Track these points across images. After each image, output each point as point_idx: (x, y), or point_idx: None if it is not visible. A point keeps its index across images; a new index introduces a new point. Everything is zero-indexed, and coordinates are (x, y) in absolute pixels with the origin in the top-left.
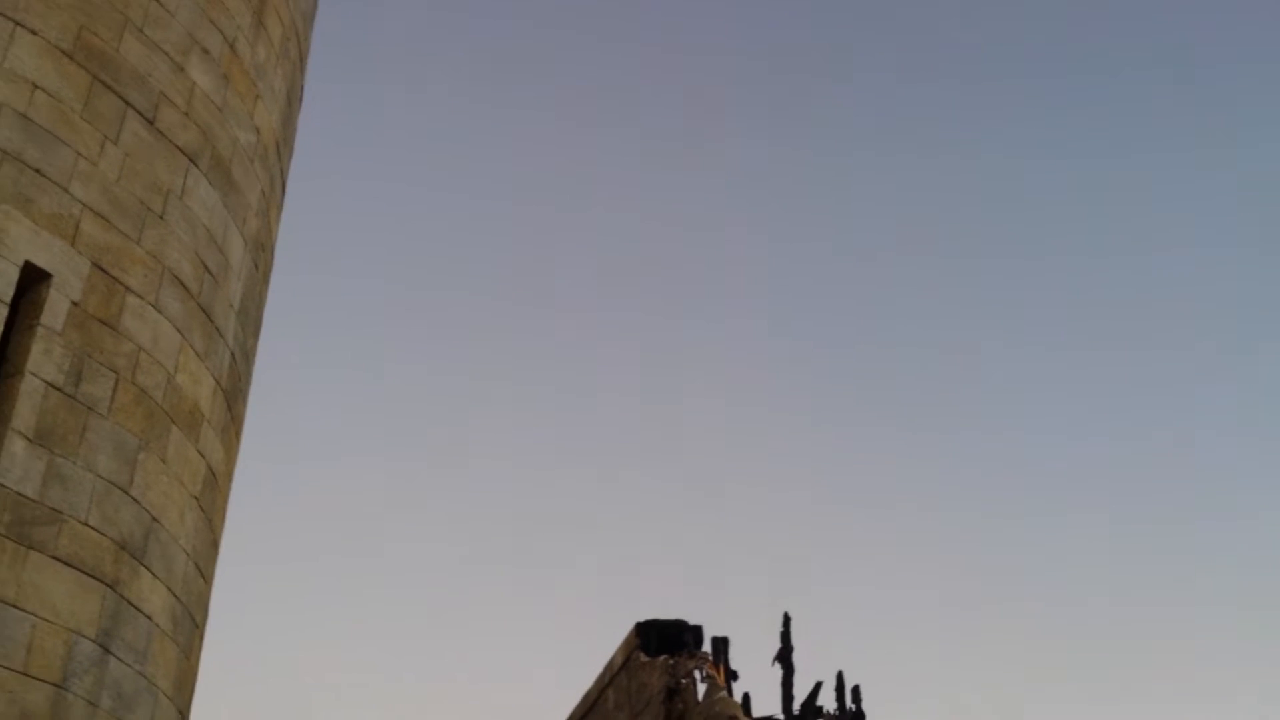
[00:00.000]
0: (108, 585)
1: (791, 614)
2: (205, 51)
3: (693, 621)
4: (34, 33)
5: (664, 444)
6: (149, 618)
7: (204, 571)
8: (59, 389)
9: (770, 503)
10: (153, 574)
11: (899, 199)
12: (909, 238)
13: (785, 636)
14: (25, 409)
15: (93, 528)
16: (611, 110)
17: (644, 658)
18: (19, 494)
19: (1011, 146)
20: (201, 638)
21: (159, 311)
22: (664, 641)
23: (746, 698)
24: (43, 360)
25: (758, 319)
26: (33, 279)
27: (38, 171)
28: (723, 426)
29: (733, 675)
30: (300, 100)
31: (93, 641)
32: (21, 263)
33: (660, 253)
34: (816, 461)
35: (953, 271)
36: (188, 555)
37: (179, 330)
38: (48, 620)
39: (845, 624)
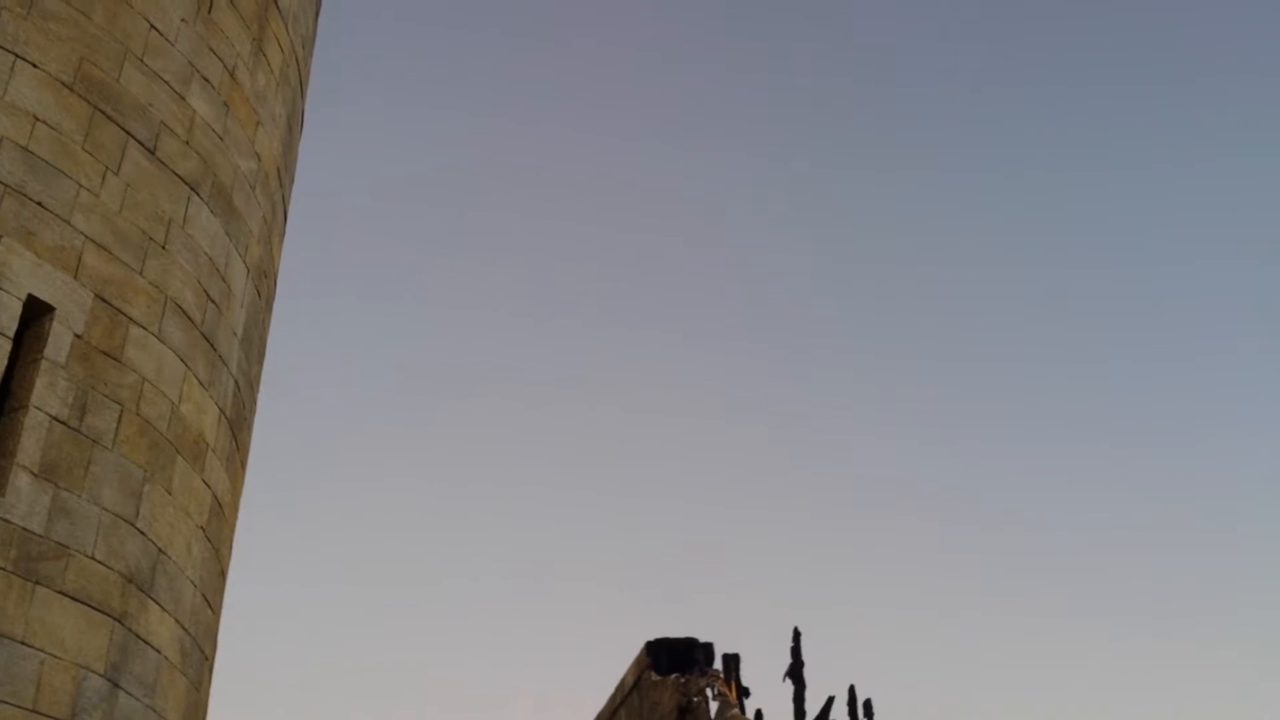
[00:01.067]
0: (115, 619)
1: (801, 629)
2: (205, 80)
3: (703, 639)
4: (34, 65)
5: (669, 457)
6: (158, 650)
7: (212, 602)
8: (63, 422)
9: (777, 517)
10: (160, 606)
11: (902, 206)
12: (918, 244)
13: (796, 652)
14: (30, 443)
15: (99, 561)
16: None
17: (655, 677)
18: (25, 529)
19: (1011, 146)
20: (211, 669)
21: (162, 341)
22: (675, 660)
23: (759, 714)
24: (46, 394)
25: (760, 329)
26: (36, 312)
27: (39, 204)
28: (726, 440)
29: (745, 692)
30: (301, 126)
31: (101, 676)
32: (24, 296)
33: (662, 261)
34: (823, 475)
35: (963, 280)
36: (195, 586)
37: (182, 360)
38: (56, 656)
39: (857, 638)
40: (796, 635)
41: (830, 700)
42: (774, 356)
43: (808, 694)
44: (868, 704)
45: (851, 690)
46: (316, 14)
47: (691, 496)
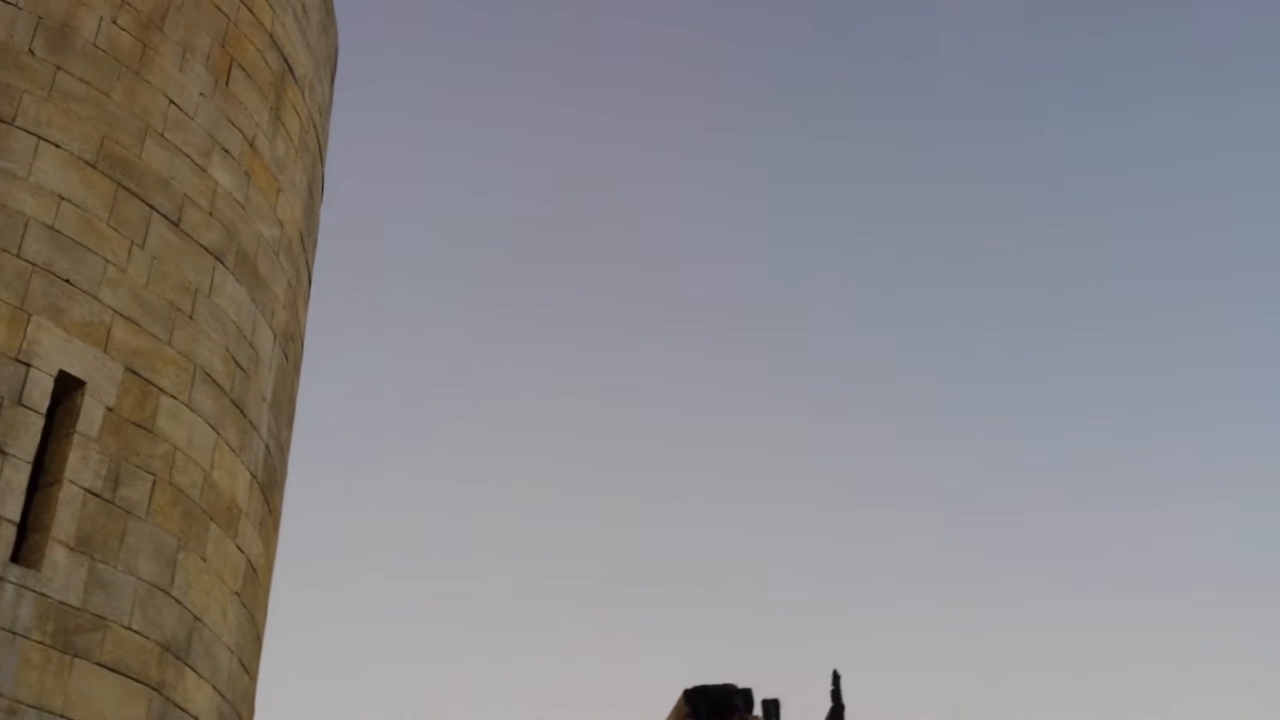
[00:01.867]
0: (153, 689)
1: (841, 672)
2: (226, 151)
3: (742, 685)
4: (57, 146)
5: (710, 502)
6: (196, 718)
7: (248, 667)
8: (97, 495)
9: (814, 558)
10: (198, 674)
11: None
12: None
13: (836, 694)
14: (65, 517)
15: (136, 631)
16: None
17: None
18: (62, 603)
19: (1011, 147)
20: None
21: (192, 410)
22: (714, 707)
23: None
24: (80, 468)
25: (800, 382)
26: (67, 387)
27: (67, 281)
28: (766, 485)
29: None
30: (321, 191)
31: None
32: (55, 372)
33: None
34: (862, 519)
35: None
36: (231, 652)
37: (213, 427)
38: None
39: (896, 680)
40: (836, 678)
41: None
42: (815, 413)
43: None
44: None
45: None
46: (332, 80)
47: (734, 541)
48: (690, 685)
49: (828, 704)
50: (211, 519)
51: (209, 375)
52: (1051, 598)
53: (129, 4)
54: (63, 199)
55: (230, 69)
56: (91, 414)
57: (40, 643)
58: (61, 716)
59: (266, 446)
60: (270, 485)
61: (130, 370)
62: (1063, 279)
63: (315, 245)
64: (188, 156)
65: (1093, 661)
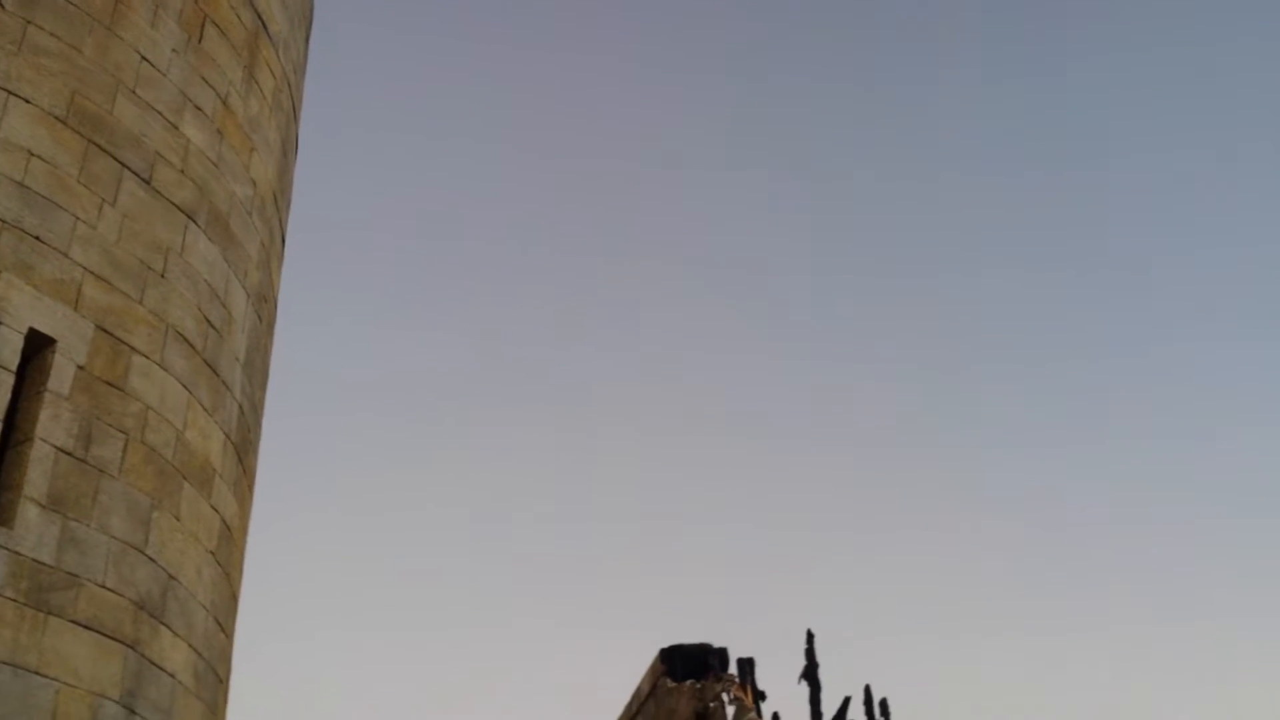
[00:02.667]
0: (129, 646)
1: (815, 631)
2: (198, 109)
3: (717, 644)
4: (27, 101)
5: (678, 466)
6: (172, 676)
7: (224, 626)
8: (69, 453)
9: (787, 521)
10: (173, 632)
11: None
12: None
13: (810, 653)
14: (36, 475)
15: (110, 589)
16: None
17: (671, 683)
18: (35, 560)
19: (1008, 148)
20: (226, 691)
21: (165, 369)
22: (690, 666)
23: (775, 717)
24: (51, 426)
25: (764, 339)
26: (37, 345)
27: (37, 238)
28: (734, 449)
29: (760, 695)
30: (296, 150)
31: (117, 703)
32: (25, 330)
33: (667, 273)
34: (833, 479)
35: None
36: (207, 611)
37: (186, 387)
38: (71, 685)
39: (871, 639)
40: (810, 637)
41: (846, 701)
42: (777, 367)
43: (824, 695)
44: (884, 703)
45: (867, 690)
46: (307, 39)
47: (702, 503)
48: (666, 645)
49: (802, 662)
50: (185, 478)
51: (181, 334)
52: (1027, 559)
53: None
54: (32, 155)
55: (204, 26)
56: (63, 372)
57: (14, 600)
58: (36, 673)
59: (240, 407)
60: (244, 446)
61: (101, 329)
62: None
63: (289, 205)
64: (159, 113)
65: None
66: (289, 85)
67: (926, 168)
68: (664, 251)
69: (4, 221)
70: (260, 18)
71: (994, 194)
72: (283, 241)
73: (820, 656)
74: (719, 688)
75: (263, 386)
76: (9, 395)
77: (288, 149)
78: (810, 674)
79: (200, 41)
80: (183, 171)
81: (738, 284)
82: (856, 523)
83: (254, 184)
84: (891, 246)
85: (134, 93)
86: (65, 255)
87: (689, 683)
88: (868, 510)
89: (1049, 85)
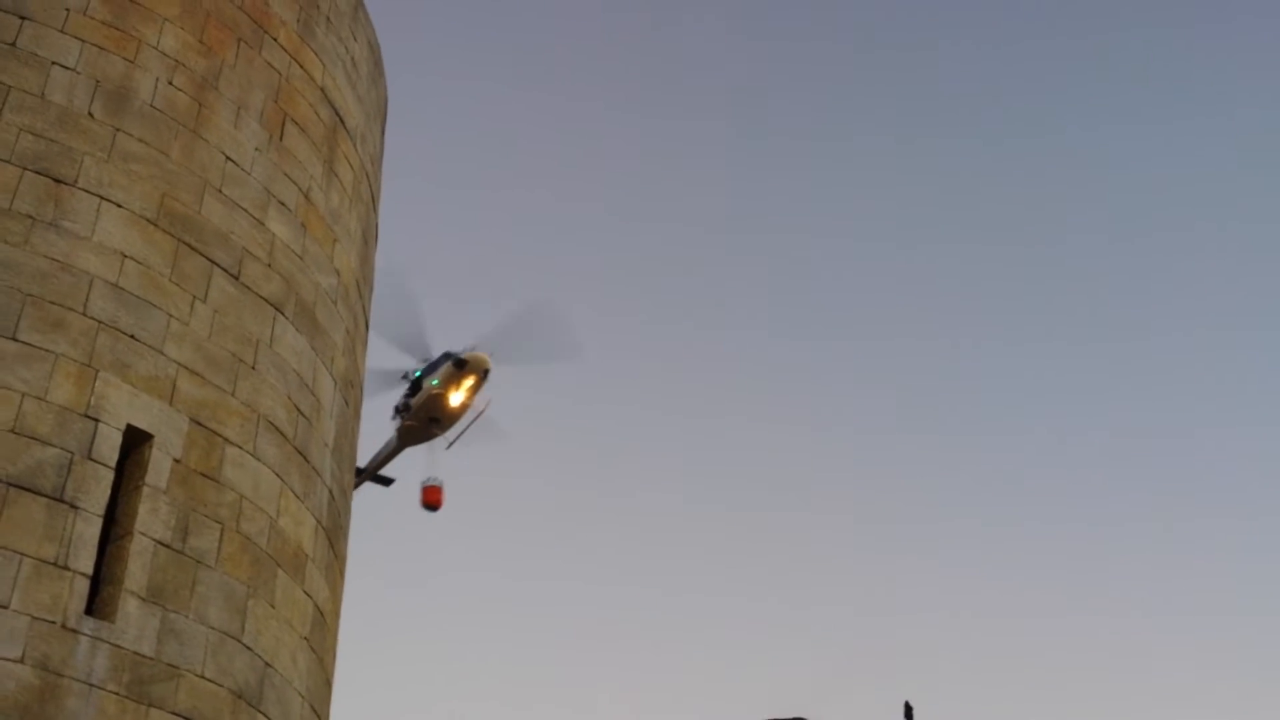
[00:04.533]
0: None
1: (914, 704)
2: (282, 204)
3: (815, 718)
4: (119, 205)
5: (767, 539)
6: None
7: (319, 711)
8: (167, 545)
9: (888, 594)
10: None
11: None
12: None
13: None
14: (136, 569)
15: (209, 679)
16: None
17: None
18: (136, 653)
19: (1013, 148)
20: None
21: (257, 459)
22: None
23: None
24: (150, 519)
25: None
26: (135, 441)
27: (132, 337)
28: (825, 521)
29: None
30: (376, 237)
31: None
32: (123, 427)
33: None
34: (927, 550)
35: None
36: (303, 698)
37: (278, 474)
38: None
39: (971, 710)
40: (909, 711)
41: None
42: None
43: None
44: None
45: None
46: (383, 130)
47: (800, 574)
48: (765, 718)
49: None
50: (279, 565)
51: (272, 424)
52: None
53: (184, 65)
54: (126, 257)
55: (284, 124)
56: (160, 466)
57: (116, 693)
58: None
59: (330, 492)
60: (335, 530)
61: (195, 422)
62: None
63: (371, 290)
64: (245, 210)
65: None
66: (367, 176)
67: None
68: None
69: (100, 323)
70: (338, 113)
71: None
72: (367, 326)
73: None
74: None
75: (351, 470)
76: (109, 491)
77: (368, 237)
78: None
79: (281, 139)
80: (269, 265)
81: None
82: (965, 598)
83: (337, 273)
84: None
85: (220, 191)
86: (160, 352)
87: None
88: (975, 585)
89: None
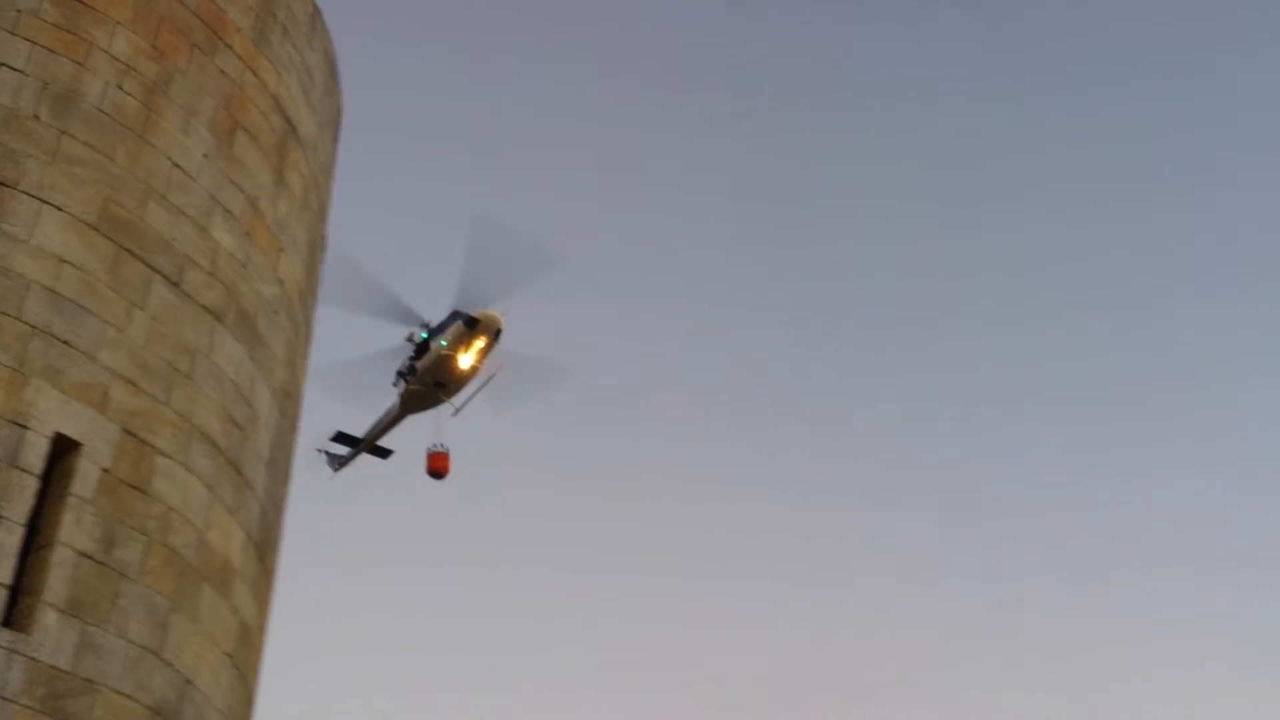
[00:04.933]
0: None
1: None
2: (228, 212)
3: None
4: (59, 209)
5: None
6: None
7: None
8: (90, 557)
9: (889, 595)
10: None
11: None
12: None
13: None
14: (57, 580)
15: (127, 695)
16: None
17: None
18: (52, 666)
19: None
20: None
21: (189, 470)
22: None
23: None
24: (74, 530)
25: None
26: (63, 449)
27: (66, 343)
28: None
29: None
30: (324, 248)
31: None
32: (52, 434)
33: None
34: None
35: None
36: (223, 715)
37: (209, 487)
38: None
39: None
40: None
41: None
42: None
43: None
44: None
45: None
46: (335, 140)
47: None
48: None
49: None
50: (204, 580)
51: (206, 435)
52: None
53: (134, 69)
54: (64, 261)
55: (234, 131)
56: (87, 475)
57: (30, 707)
58: None
59: (262, 505)
60: (265, 544)
61: (127, 431)
62: None
63: (316, 302)
64: (189, 217)
65: None
66: (318, 186)
67: None
68: None
69: (34, 328)
70: (290, 122)
71: None
72: (309, 338)
73: None
74: None
75: (285, 484)
76: (33, 500)
77: (315, 247)
78: None
79: (231, 147)
80: (211, 273)
81: None
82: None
83: (281, 283)
84: None
85: (165, 198)
86: (93, 359)
87: None
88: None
89: None
